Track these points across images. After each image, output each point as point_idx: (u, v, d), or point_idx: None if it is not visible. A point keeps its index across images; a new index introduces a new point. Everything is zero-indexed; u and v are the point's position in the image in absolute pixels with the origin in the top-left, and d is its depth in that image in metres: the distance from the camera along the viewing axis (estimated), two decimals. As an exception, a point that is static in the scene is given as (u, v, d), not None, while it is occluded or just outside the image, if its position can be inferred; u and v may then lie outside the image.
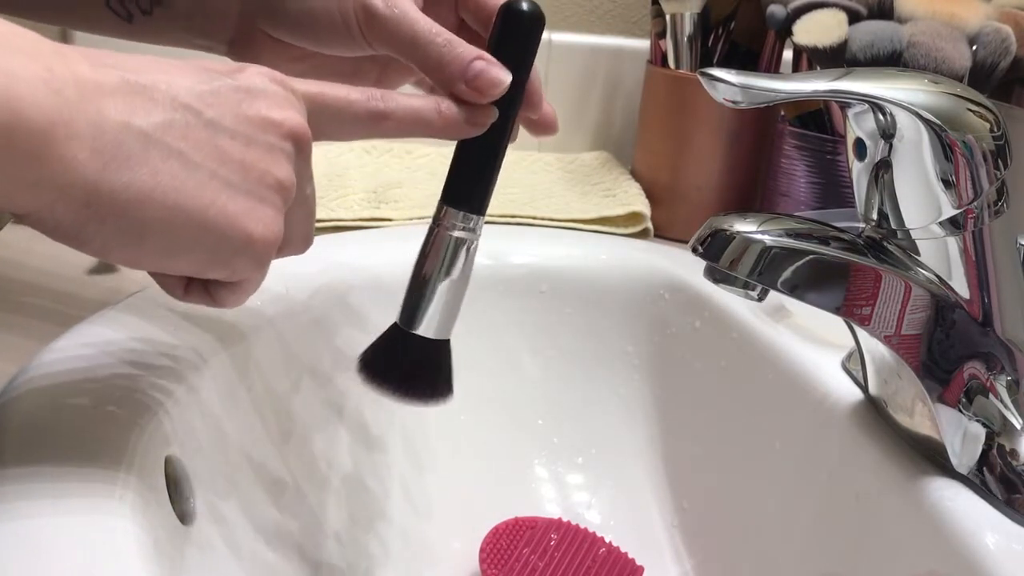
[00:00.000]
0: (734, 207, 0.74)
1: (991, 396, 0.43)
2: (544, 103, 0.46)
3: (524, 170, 0.82)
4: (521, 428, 0.63)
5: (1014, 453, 0.42)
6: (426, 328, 0.44)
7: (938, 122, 0.39)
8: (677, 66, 0.74)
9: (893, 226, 0.42)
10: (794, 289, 0.40)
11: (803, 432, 0.51)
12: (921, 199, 0.41)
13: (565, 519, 0.59)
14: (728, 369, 0.59)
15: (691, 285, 0.62)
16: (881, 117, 0.41)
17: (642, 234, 0.72)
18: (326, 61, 0.45)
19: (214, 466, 0.45)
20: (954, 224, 0.41)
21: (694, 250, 0.41)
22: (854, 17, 0.64)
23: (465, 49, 0.40)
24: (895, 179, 0.41)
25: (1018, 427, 0.43)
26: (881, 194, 0.42)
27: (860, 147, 0.43)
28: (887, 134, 0.41)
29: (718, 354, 0.59)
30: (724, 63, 0.76)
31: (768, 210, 0.71)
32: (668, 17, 0.74)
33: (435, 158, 0.81)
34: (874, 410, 0.47)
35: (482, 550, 0.56)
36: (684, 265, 0.63)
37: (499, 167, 0.43)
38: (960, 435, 0.42)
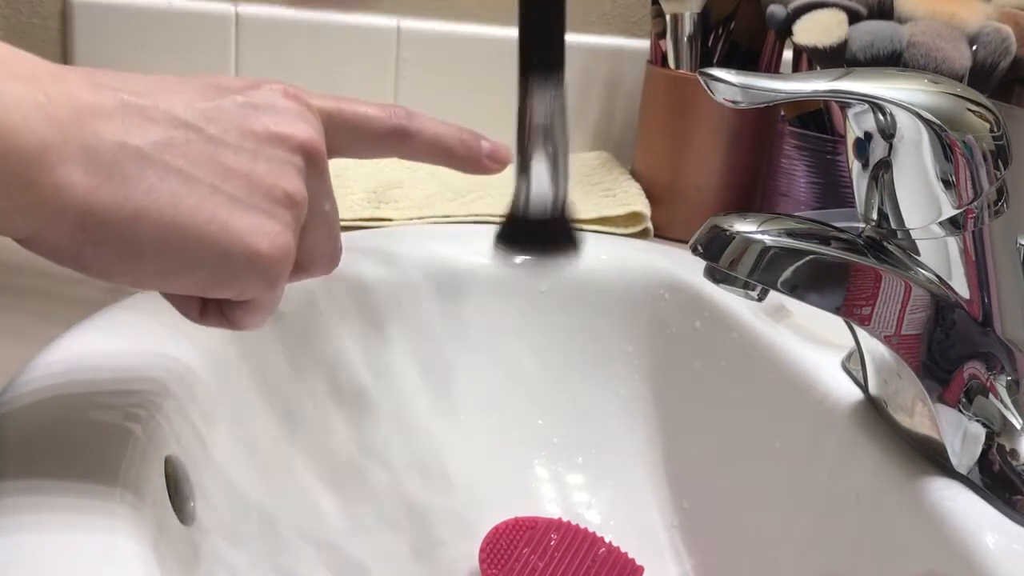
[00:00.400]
0: (734, 207, 0.74)
1: (991, 396, 0.43)
2: None
3: (524, 170, 0.82)
4: (521, 428, 0.63)
5: (1014, 453, 0.42)
6: (561, 201, 0.44)
7: (938, 122, 0.39)
8: (677, 66, 0.74)
9: (893, 226, 0.42)
10: (794, 289, 0.40)
11: (803, 432, 0.51)
12: (921, 199, 0.41)
13: (565, 519, 0.59)
14: (728, 369, 0.59)
15: (691, 285, 0.62)
16: (881, 117, 0.41)
17: (642, 234, 0.72)
18: None
19: (214, 466, 0.45)
20: (954, 224, 0.41)
21: (694, 250, 0.41)
22: (854, 17, 0.64)
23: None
24: (895, 179, 0.41)
25: (1018, 427, 0.43)
26: (881, 194, 0.42)
27: (860, 147, 0.43)
28: (887, 134, 0.41)
29: (718, 354, 0.59)
30: (724, 63, 0.76)
31: (768, 210, 0.71)
32: (668, 17, 0.74)
33: (435, 158, 0.81)
34: (874, 410, 0.47)
35: (482, 550, 0.56)
36: (684, 265, 0.63)
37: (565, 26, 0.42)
38: (960, 435, 0.42)
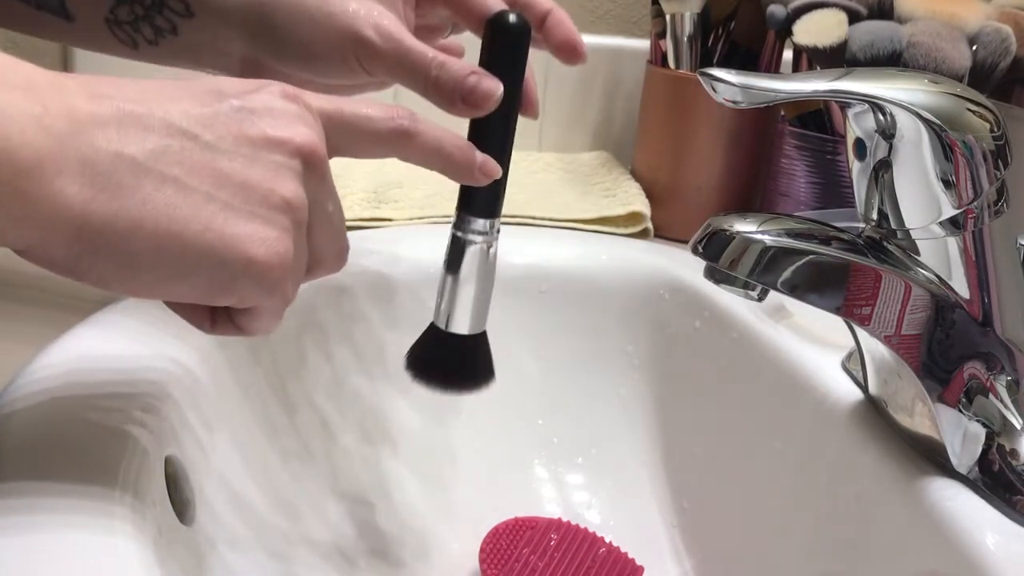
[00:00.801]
0: (734, 207, 0.74)
1: (991, 396, 0.43)
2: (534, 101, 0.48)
3: (524, 170, 0.82)
4: (521, 428, 0.63)
5: (1014, 453, 0.42)
6: (462, 326, 0.46)
7: (938, 122, 0.39)
8: (677, 66, 0.74)
9: (893, 226, 0.42)
10: (794, 289, 0.40)
11: (803, 432, 0.51)
12: (921, 199, 0.41)
13: (565, 519, 0.59)
14: (728, 369, 0.59)
15: (691, 285, 0.62)
16: (881, 117, 0.41)
17: (642, 234, 0.72)
18: (337, 89, 0.46)
19: (214, 466, 0.45)
20: (954, 224, 0.41)
21: (694, 250, 0.41)
22: (854, 17, 0.64)
23: (458, 67, 0.41)
24: (895, 179, 0.41)
25: (1018, 427, 0.43)
26: (881, 194, 0.42)
27: (860, 147, 0.43)
28: (887, 134, 0.41)
29: (718, 354, 0.59)
30: (724, 63, 0.76)
31: (768, 210, 0.71)
32: (668, 17, 0.74)
33: (435, 158, 0.81)
34: (874, 410, 0.47)
35: (482, 550, 0.56)
36: (684, 265, 0.63)
37: (508, 170, 0.45)
38: (960, 435, 0.42)
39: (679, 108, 0.74)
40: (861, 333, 0.46)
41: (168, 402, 0.42)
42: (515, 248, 0.64)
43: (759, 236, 0.40)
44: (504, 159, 0.44)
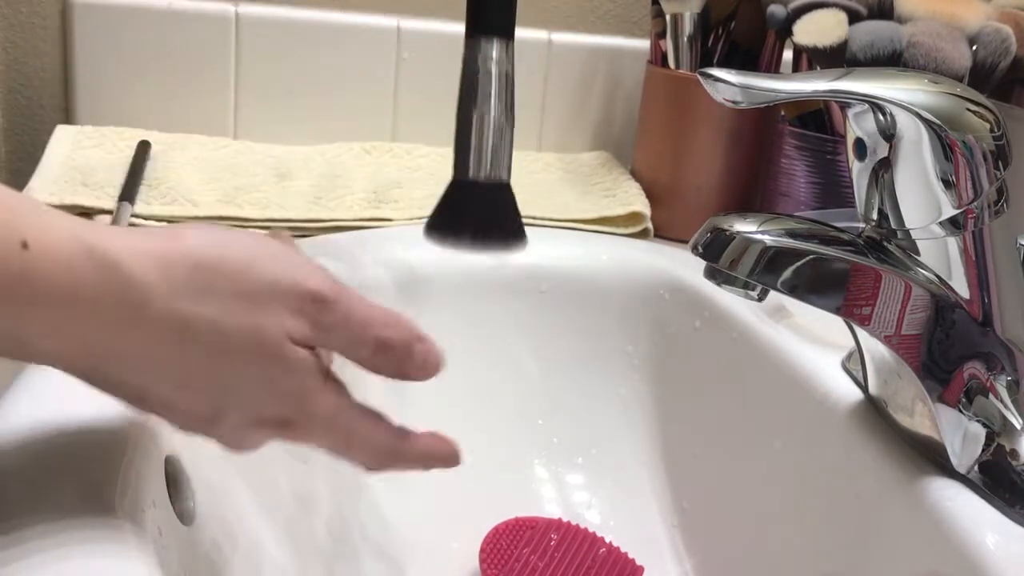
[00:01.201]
0: (734, 207, 0.74)
1: (991, 396, 0.43)
2: None
3: (524, 170, 0.82)
4: (521, 428, 0.63)
5: (1014, 453, 0.42)
6: (481, 172, 0.42)
7: (938, 122, 0.39)
8: (677, 66, 0.74)
9: (893, 226, 0.42)
10: (794, 289, 0.40)
11: (803, 432, 0.51)
12: (921, 199, 0.41)
13: (565, 519, 0.59)
14: (728, 369, 0.59)
15: (691, 285, 0.62)
16: (881, 117, 0.41)
17: (642, 234, 0.72)
18: None
19: (214, 466, 0.45)
20: (954, 224, 0.41)
21: (694, 250, 0.41)
22: (854, 17, 0.64)
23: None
24: (895, 179, 0.41)
25: (1018, 427, 0.43)
26: (881, 194, 0.42)
27: (860, 147, 0.43)
28: (887, 134, 0.41)
29: (718, 354, 0.59)
30: (724, 63, 0.76)
31: (768, 210, 0.71)
32: (668, 17, 0.74)
33: (435, 158, 0.81)
34: (874, 410, 0.47)
35: (482, 550, 0.56)
36: (684, 265, 0.63)
37: None
38: (960, 435, 0.42)
39: (679, 108, 0.74)
40: (861, 333, 0.46)
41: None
42: (515, 248, 0.64)
43: (759, 236, 0.40)
44: None
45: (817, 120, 0.76)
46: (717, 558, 0.57)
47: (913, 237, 0.42)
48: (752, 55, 0.76)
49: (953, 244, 0.41)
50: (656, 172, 0.76)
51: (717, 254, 0.40)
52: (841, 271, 0.41)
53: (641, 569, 0.57)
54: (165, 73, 0.79)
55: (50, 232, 0.29)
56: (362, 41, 0.82)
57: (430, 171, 0.79)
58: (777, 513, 0.53)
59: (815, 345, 0.54)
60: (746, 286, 0.41)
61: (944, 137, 0.39)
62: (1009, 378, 0.43)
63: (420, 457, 0.39)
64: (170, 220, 0.64)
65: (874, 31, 0.62)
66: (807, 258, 0.40)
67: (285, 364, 0.33)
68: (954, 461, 0.42)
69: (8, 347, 0.30)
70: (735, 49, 0.77)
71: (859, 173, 0.43)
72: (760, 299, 0.41)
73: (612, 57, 0.88)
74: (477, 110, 0.41)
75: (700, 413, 0.60)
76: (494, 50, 0.41)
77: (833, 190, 0.74)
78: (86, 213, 0.62)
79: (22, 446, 0.36)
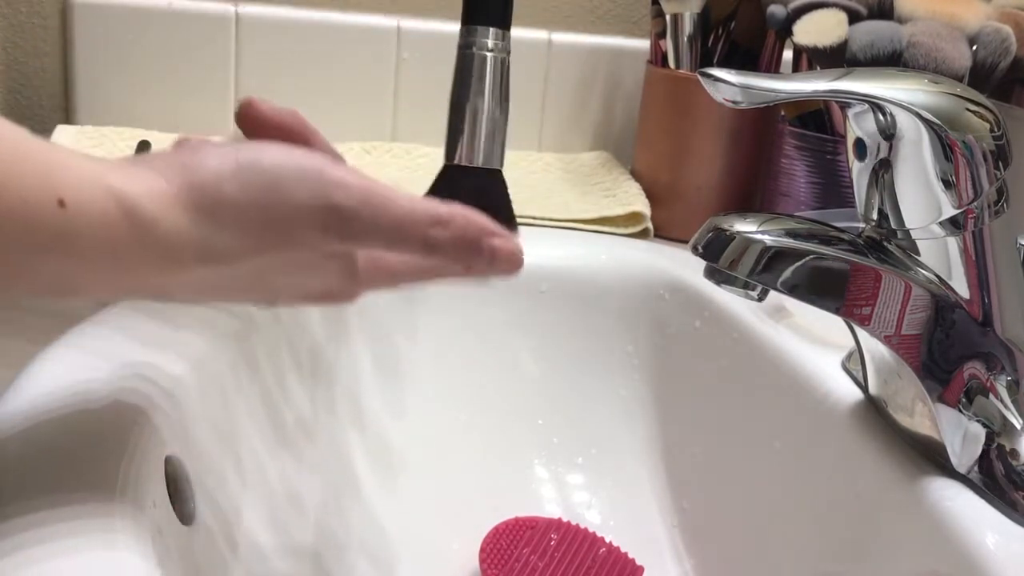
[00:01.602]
0: (734, 207, 0.74)
1: (991, 396, 0.43)
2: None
3: (524, 170, 0.82)
4: (521, 428, 0.63)
5: (1014, 453, 0.42)
6: (474, 157, 0.42)
7: (938, 122, 0.39)
8: (677, 66, 0.74)
9: (893, 226, 0.42)
10: (794, 289, 0.40)
11: (803, 432, 0.51)
12: (921, 199, 0.41)
13: (565, 519, 0.59)
14: (728, 369, 0.59)
15: (691, 285, 0.62)
16: (881, 117, 0.41)
17: (642, 234, 0.72)
18: None
19: (214, 466, 0.45)
20: (954, 224, 0.41)
21: (694, 250, 0.41)
22: (854, 17, 0.64)
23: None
24: (895, 179, 0.41)
25: (1018, 427, 0.43)
26: (881, 194, 0.42)
27: (860, 147, 0.43)
28: (887, 134, 0.41)
29: (718, 354, 0.59)
30: (724, 63, 0.76)
31: (768, 210, 0.71)
32: (668, 17, 0.74)
33: (435, 158, 0.81)
34: (874, 410, 0.47)
35: (482, 550, 0.56)
36: (684, 265, 0.63)
37: None
38: (960, 435, 0.42)
39: (679, 108, 0.74)
40: (861, 333, 0.46)
41: (168, 402, 0.42)
42: (515, 248, 0.64)
43: (759, 236, 0.40)
44: None
45: (817, 120, 0.76)
46: (717, 558, 0.57)
47: (913, 237, 0.42)
48: (752, 55, 0.76)
49: (953, 244, 0.41)
50: (656, 172, 0.76)
51: (717, 254, 0.40)
52: (841, 271, 0.41)
53: (641, 569, 0.57)
54: (165, 73, 0.79)
55: (84, 187, 0.29)
56: (362, 41, 0.82)
57: (430, 171, 0.78)
58: (777, 513, 0.53)
59: (815, 345, 0.54)
60: (746, 286, 0.41)
61: (944, 137, 0.39)
62: (1009, 378, 0.43)
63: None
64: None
65: (874, 31, 0.62)
66: (807, 258, 0.40)
67: (321, 270, 0.36)
68: (954, 461, 0.42)
69: (58, 290, 0.31)
70: (735, 49, 0.77)
71: (859, 173, 0.43)
72: (760, 299, 0.41)
73: (612, 57, 0.88)
74: (471, 97, 0.41)
75: (700, 413, 0.60)
76: (490, 38, 0.41)
77: (833, 190, 0.74)
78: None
79: (22, 446, 0.36)
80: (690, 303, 0.62)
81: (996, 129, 0.40)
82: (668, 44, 0.75)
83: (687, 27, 0.74)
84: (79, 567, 0.31)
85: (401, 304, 0.61)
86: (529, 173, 0.82)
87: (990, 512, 0.41)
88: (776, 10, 0.70)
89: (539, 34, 0.85)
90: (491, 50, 0.41)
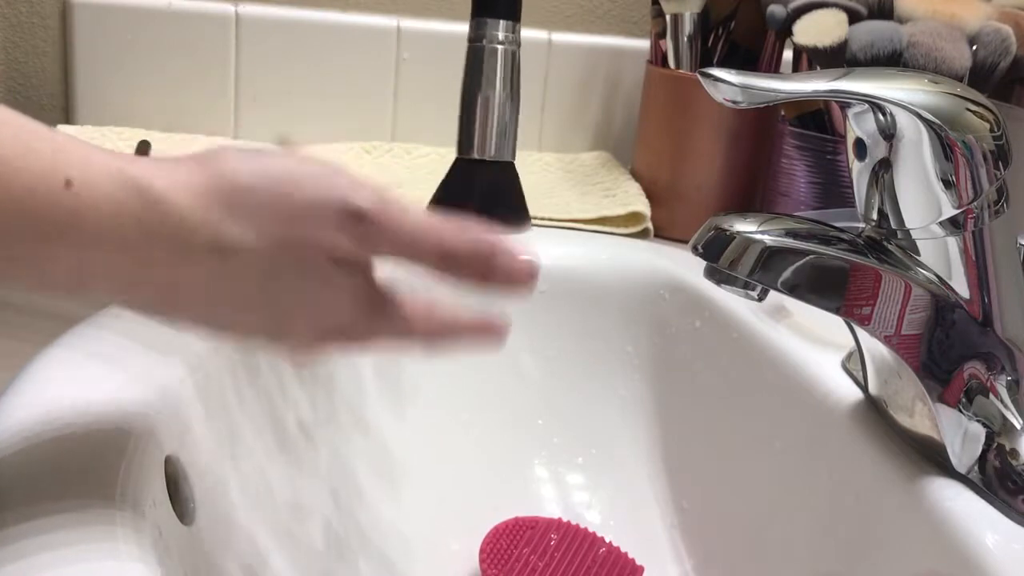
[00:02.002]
0: (734, 207, 0.74)
1: (991, 396, 0.43)
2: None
3: (524, 170, 0.82)
4: (521, 428, 0.63)
5: (1014, 453, 0.42)
6: (487, 150, 0.43)
7: (938, 122, 0.39)
8: (677, 66, 0.74)
9: (893, 226, 0.42)
10: (794, 289, 0.40)
11: (803, 432, 0.51)
12: (921, 199, 0.41)
13: (565, 519, 0.59)
14: (728, 369, 0.59)
15: (691, 285, 0.62)
16: (881, 117, 0.41)
17: (642, 234, 0.72)
18: None
19: (214, 466, 0.45)
20: (954, 224, 0.41)
21: (694, 250, 0.41)
22: (854, 17, 0.64)
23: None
24: (895, 179, 0.41)
25: (1018, 427, 0.43)
26: (881, 194, 0.42)
27: (860, 147, 0.43)
28: (887, 134, 0.41)
29: (718, 354, 0.59)
30: (724, 63, 0.76)
31: (768, 210, 0.71)
32: (668, 17, 0.74)
33: (435, 158, 0.81)
34: (874, 410, 0.47)
35: (482, 550, 0.56)
36: (684, 265, 0.63)
37: None
38: (960, 435, 0.42)
39: (679, 108, 0.74)
40: (861, 333, 0.46)
41: (168, 402, 0.42)
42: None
43: (759, 236, 0.40)
44: None
45: (817, 120, 0.76)
46: (717, 558, 0.57)
47: (913, 237, 0.42)
48: (752, 55, 0.76)
49: (953, 244, 0.41)
50: (656, 172, 0.76)
51: (717, 254, 0.40)
52: (841, 271, 0.41)
53: (641, 569, 0.57)
54: (165, 73, 0.79)
55: (92, 168, 0.29)
56: (362, 41, 0.82)
57: (430, 171, 0.79)
58: (777, 513, 0.53)
59: (815, 345, 0.54)
60: (746, 286, 0.41)
61: (944, 137, 0.39)
62: (1009, 378, 0.43)
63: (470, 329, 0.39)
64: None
65: (874, 31, 0.62)
66: (807, 258, 0.40)
67: (332, 282, 0.34)
68: (954, 461, 0.42)
69: (67, 284, 0.30)
70: (735, 49, 0.77)
71: (859, 173, 0.43)
72: (760, 299, 0.41)
73: (612, 57, 0.88)
74: (482, 90, 0.41)
75: (700, 413, 0.60)
76: (500, 31, 0.41)
77: (833, 190, 0.74)
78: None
79: (22, 446, 0.36)
80: (690, 303, 0.62)
81: (996, 129, 0.40)
82: (668, 44, 0.75)
83: (687, 27, 0.74)
84: (79, 567, 0.31)
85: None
86: (529, 173, 0.82)
87: (990, 512, 0.41)
88: (776, 10, 0.70)
89: (539, 34, 0.85)
90: (501, 42, 0.41)
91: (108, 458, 0.36)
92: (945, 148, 0.40)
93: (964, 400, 0.42)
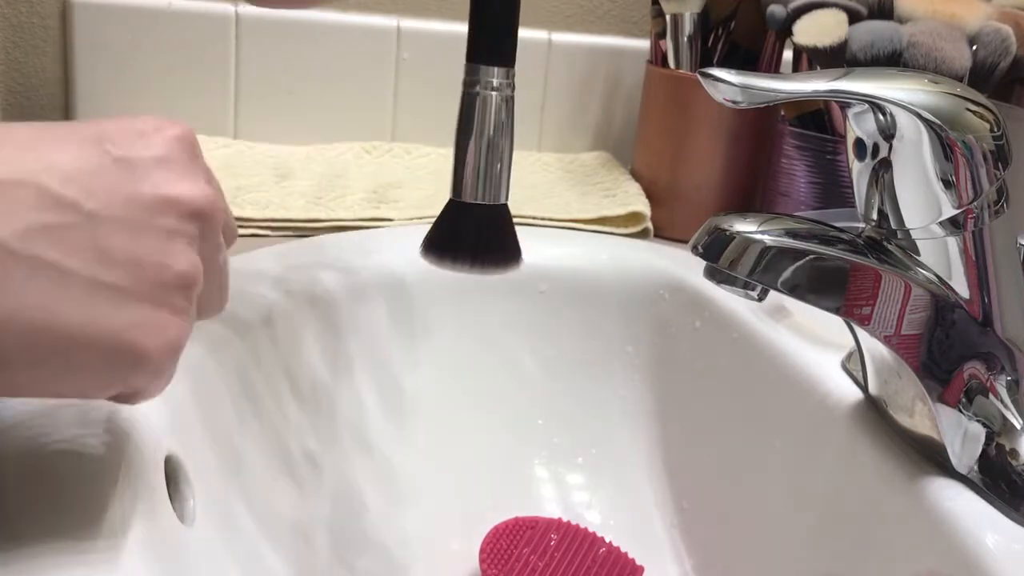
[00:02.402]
0: (734, 207, 0.74)
1: (991, 396, 0.43)
2: None
3: (524, 170, 0.82)
4: (521, 428, 0.63)
5: (1014, 453, 0.42)
6: (478, 193, 0.43)
7: (938, 122, 0.39)
8: (677, 66, 0.74)
9: (893, 226, 0.42)
10: (794, 289, 0.40)
11: (803, 432, 0.51)
12: (921, 199, 0.41)
13: (565, 519, 0.59)
14: (728, 369, 0.59)
15: (691, 285, 0.62)
16: (881, 117, 0.41)
17: (642, 234, 0.72)
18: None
19: (214, 465, 0.45)
20: (954, 224, 0.41)
21: (694, 250, 0.41)
22: (854, 17, 0.65)
23: None
24: (895, 179, 0.41)
25: (1018, 427, 0.43)
26: (881, 194, 0.42)
27: (860, 147, 0.43)
28: (887, 134, 0.41)
29: (718, 354, 0.59)
30: (724, 63, 0.76)
31: (768, 210, 0.71)
32: (668, 17, 0.74)
33: (435, 158, 0.81)
34: (874, 410, 0.47)
35: (482, 550, 0.56)
36: (684, 265, 0.63)
37: (518, 13, 0.42)
38: (960, 435, 0.42)
39: (679, 108, 0.74)
40: (861, 333, 0.46)
41: (168, 402, 0.42)
42: (515, 248, 0.64)
43: (759, 236, 0.40)
44: (518, 3, 0.41)
45: (817, 120, 0.76)
46: (717, 558, 0.57)
47: (913, 237, 0.42)
48: (752, 55, 0.76)
49: (953, 244, 0.41)
50: (656, 172, 0.76)
51: (717, 254, 0.40)
52: (841, 271, 0.41)
53: (641, 569, 0.57)
54: (165, 73, 0.79)
55: None
56: (362, 41, 0.82)
57: (430, 171, 0.79)
58: (777, 513, 0.53)
59: (815, 345, 0.54)
60: (746, 286, 0.41)
61: (944, 137, 0.39)
62: (1009, 378, 0.43)
63: None
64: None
65: (874, 31, 0.62)
66: (807, 258, 0.40)
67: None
68: (954, 461, 0.42)
69: None
70: (735, 49, 0.77)
71: (859, 173, 0.43)
72: (760, 299, 0.41)
73: (612, 57, 0.88)
74: (474, 136, 0.42)
75: (700, 413, 0.60)
76: (495, 77, 0.42)
77: (833, 190, 0.74)
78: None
79: (18, 445, 0.36)
80: (690, 303, 0.62)
81: (996, 129, 0.40)
82: (668, 44, 0.75)
83: (687, 27, 0.74)
84: (77, 567, 0.31)
85: (401, 303, 0.61)
86: (529, 173, 0.82)
87: (990, 512, 0.41)
88: (776, 10, 0.70)
89: (539, 34, 0.85)
90: (496, 89, 0.42)
91: (108, 458, 0.36)
92: (945, 148, 0.40)
93: (964, 400, 0.42)
